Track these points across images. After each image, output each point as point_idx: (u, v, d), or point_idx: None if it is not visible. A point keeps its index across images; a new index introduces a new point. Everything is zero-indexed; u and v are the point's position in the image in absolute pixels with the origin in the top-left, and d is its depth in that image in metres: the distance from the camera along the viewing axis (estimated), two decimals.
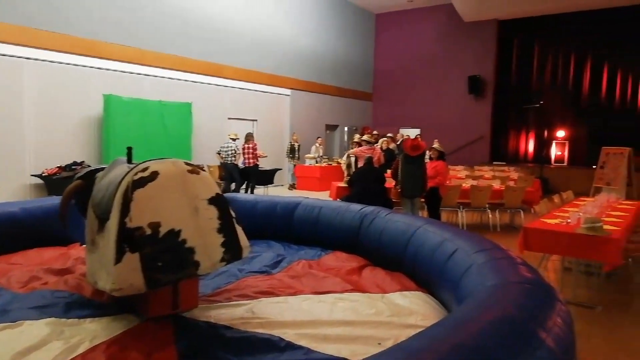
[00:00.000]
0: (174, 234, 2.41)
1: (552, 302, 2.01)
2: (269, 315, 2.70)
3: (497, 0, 14.37)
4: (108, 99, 9.00)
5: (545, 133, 15.26)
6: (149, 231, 2.37)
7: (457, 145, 15.92)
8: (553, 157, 15.08)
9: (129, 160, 3.01)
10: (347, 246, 4.17)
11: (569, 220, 4.75)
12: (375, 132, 13.53)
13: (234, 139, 10.26)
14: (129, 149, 3.09)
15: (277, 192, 12.15)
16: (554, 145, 15.12)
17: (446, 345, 1.43)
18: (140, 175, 2.45)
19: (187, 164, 2.69)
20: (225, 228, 2.60)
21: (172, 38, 10.59)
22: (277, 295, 3.04)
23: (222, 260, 2.56)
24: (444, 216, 8.19)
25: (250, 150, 10.39)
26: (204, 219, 2.55)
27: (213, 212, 2.59)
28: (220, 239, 2.56)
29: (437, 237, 3.33)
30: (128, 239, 2.34)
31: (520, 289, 2.09)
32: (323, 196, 8.52)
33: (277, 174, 12.15)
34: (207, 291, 3.11)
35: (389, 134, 12.59)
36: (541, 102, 14.38)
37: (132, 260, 2.31)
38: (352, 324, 2.58)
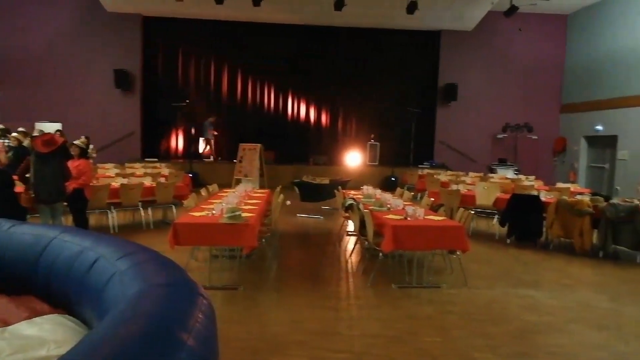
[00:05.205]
0: None
1: (194, 298, 2.02)
2: None
3: None
4: None
5: (193, 130, 16.20)
6: None
7: (106, 142, 14.97)
8: (201, 152, 16.17)
9: None
10: None
11: (213, 212, 5.12)
12: (1, 125, 11.13)
13: None
14: None
15: None
16: (200, 141, 16.21)
17: None
18: None
19: None
20: None
21: None
22: None
23: None
24: (92, 219, 7.53)
25: None
26: None
27: None
28: None
29: (75, 246, 2.91)
30: None
31: (163, 292, 2.02)
32: None
33: None
34: None
35: (20, 129, 10.58)
36: (187, 101, 15.16)
37: None
38: None
